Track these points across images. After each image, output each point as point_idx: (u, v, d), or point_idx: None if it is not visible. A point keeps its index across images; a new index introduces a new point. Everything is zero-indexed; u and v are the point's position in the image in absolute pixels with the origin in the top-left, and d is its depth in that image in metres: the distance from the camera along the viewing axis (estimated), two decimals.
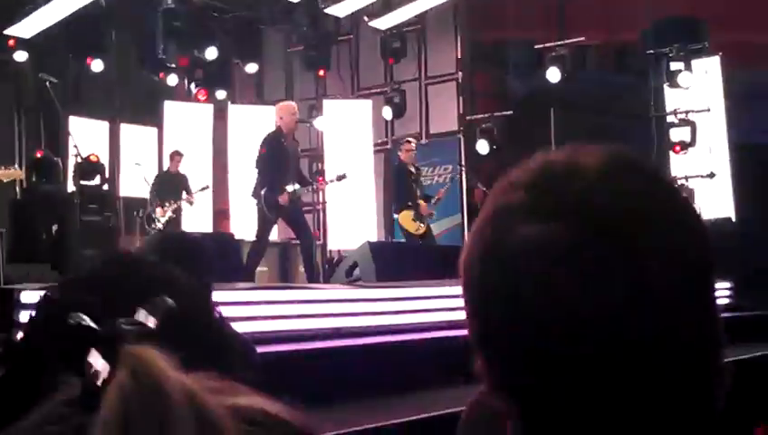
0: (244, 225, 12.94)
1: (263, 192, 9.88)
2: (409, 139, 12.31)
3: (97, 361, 0.70)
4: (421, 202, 11.69)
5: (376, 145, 15.39)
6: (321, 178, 11.07)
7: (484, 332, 0.88)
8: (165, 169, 13.09)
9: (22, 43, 12.14)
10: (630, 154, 0.91)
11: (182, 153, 12.89)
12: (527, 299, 0.82)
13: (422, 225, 11.71)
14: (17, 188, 12.18)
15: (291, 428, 0.74)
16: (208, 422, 0.66)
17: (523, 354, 0.84)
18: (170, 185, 12.48)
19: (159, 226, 12.07)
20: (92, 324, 0.79)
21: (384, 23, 14.68)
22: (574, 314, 0.80)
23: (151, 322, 0.84)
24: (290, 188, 9.91)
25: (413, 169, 11.93)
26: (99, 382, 0.69)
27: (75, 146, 11.31)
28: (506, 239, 0.85)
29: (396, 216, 11.91)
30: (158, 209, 12.17)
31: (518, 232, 0.84)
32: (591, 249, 0.81)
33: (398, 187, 11.91)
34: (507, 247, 0.85)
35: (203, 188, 12.64)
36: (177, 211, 12.37)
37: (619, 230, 0.81)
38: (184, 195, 12.46)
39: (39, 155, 12.70)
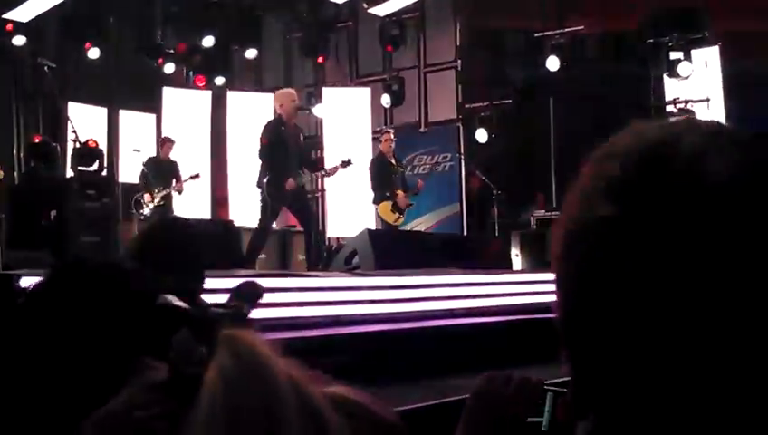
0: (243, 212, 12.93)
1: (266, 180, 9.85)
2: (389, 130, 12.25)
3: (190, 343, 0.68)
4: (399, 192, 11.64)
5: (375, 133, 15.35)
6: (321, 164, 11.04)
7: (562, 310, 0.85)
8: (154, 155, 12.96)
9: (19, 28, 12.09)
10: (739, 134, 0.84)
11: (173, 139, 12.79)
12: (600, 279, 0.79)
13: (401, 216, 11.68)
14: (15, 174, 12.16)
15: (380, 418, 0.74)
16: (312, 410, 0.65)
17: (597, 341, 0.80)
18: (160, 171, 12.35)
19: (147, 211, 11.99)
20: (183, 305, 0.77)
21: (383, 10, 14.64)
22: (646, 303, 0.77)
23: (245, 308, 0.82)
24: (292, 175, 9.92)
25: (392, 161, 11.90)
26: (192, 366, 0.67)
27: (74, 131, 11.29)
28: (588, 217, 0.82)
29: (375, 206, 11.87)
30: (146, 195, 12.07)
31: (600, 210, 0.81)
32: (668, 238, 0.77)
33: (377, 178, 11.84)
34: (587, 225, 0.82)
35: (193, 177, 12.49)
36: (167, 198, 12.24)
37: (706, 225, 0.76)
38: (174, 183, 12.34)
39: (37, 140, 12.67)
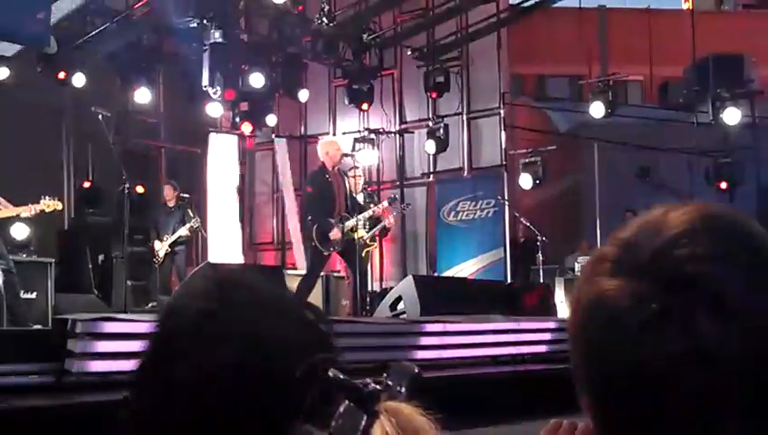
0: (286, 256, 13.00)
1: (314, 229, 9.96)
2: (356, 166, 11.63)
3: (353, 415, 0.72)
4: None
5: (418, 179, 15.43)
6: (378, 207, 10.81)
7: (574, 370, 0.93)
8: (163, 201, 12.77)
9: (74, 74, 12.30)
10: (722, 212, 0.91)
11: (172, 183, 12.63)
12: (594, 345, 0.88)
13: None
14: (65, 219, 12.34)
15: None
16: None
17: (601, 397, 0.89)
18: (165, 217, 12.26)
19: (158, 259, 11.87)
20: (347, 379, 0.81)
21: (427, 57, 14.76)
22: (633, 364, 0.84)
23: (401, 387, 0.86)
24: (336, 222, 9.98)
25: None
26: None
27: (124, 177, 11.45)
28: (588, 290, 0.90)
29: None
30: (157, 242, 11.94)
31: (599, 285, 0.89)
32: (656, 304, 0.83)
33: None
34: (587, 297, 0.90)
35: (193, 228, 12.23)
36: (175, 244, 12.05)
37: (686, 288, 0.83)
38: (182, 230, 12.04)
39: (87, 185, 12.86)
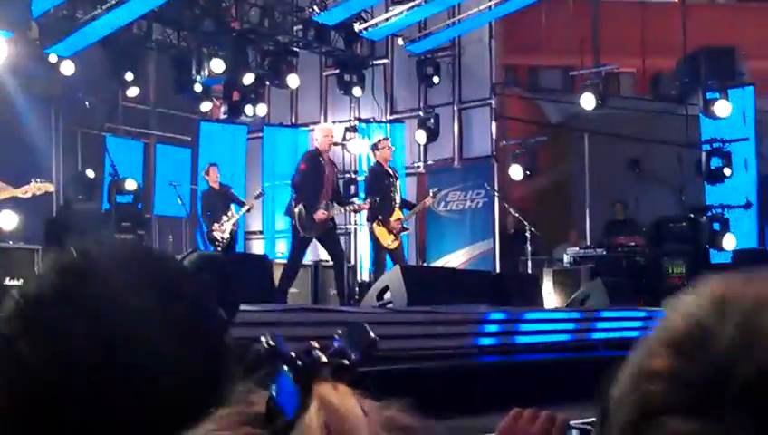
0: (275, 245, 12.97)
1: (297, 209, 9.95)
2: (386, 137, 11.69)
3: (289, 387, 0.67)
4: (393, 218, 10.73)
5: (409, 168, 15.39)
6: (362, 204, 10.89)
7: None
8: (206, 186, 12.88)
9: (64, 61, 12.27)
10: None
11: (215, 163, 12.79)
12: None
13: (396, 238, 10.81)
14: (54, 206, 12.30)
15: None
16: None
17: None
18: (217, 200, 12.34)
19: (223, 242, 11.98)
20: (283, 349, 0.73)
21: (419, 47, 14.73)
22: None
23: (352, 354, 0.75)
24: (323, 205, 10.00)
25: (389, 171, 11.02)
26: (287, 412, 0.67)
27: (112, 165, 11.43)
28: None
29: (370, 224, 10.84)
30: (215, 225, 12.02)
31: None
32: None
33: (374, 189, 10.82)
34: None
35: (258, 196, 12.51)
36: (235, 223, 12.32)
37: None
38: (233, 209, 12.26)
39: (76, 173, 12.82)
